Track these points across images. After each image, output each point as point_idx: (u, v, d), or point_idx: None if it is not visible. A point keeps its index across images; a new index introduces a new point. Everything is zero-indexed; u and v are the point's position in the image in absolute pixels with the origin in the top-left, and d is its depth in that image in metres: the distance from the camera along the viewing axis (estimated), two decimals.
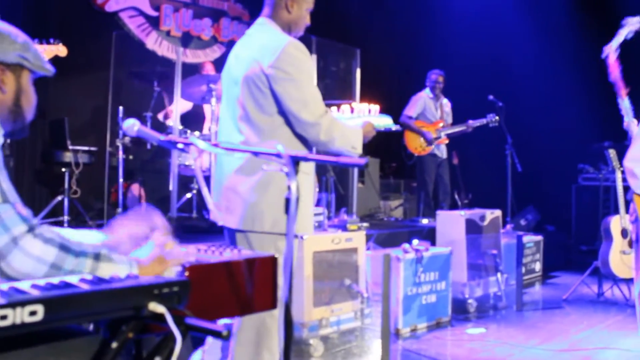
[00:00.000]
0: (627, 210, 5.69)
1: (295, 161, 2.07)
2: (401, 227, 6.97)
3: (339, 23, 9.16)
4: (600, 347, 5.10)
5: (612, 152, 6.52)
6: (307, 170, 3.10)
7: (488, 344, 5.13)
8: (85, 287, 1.52)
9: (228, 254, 2.17)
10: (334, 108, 3.27)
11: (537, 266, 7.93)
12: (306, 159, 2.11)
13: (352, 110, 3.33)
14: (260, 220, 2.98)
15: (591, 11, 9.98)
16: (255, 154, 2.28)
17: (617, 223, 6.57)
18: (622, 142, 4.47)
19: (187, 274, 1.90)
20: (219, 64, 8.25)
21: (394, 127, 3.44)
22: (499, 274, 6.41)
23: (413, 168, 8.45)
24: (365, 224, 5.36)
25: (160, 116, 7.52)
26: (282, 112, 2.98)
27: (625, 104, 6.04)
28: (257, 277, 2.14)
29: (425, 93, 8.18)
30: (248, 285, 2.10)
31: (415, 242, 5.54)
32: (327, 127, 2.96)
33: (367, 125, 3.20)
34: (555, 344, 5.18)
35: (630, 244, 6.48)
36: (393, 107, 8.26)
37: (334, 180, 7.32)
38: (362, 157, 2.74)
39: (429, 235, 6.58)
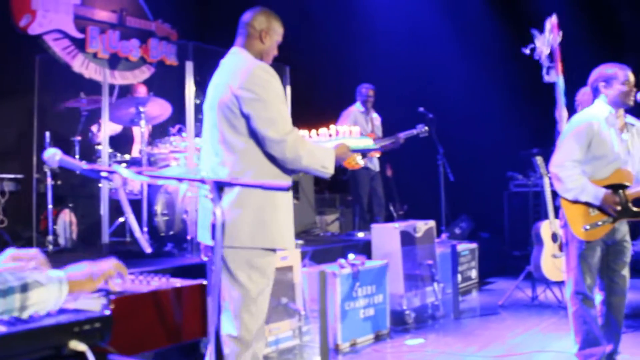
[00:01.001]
0: (557, 216, 5.84)
1: (219, 187, 2.05)
2: (337, 242, 6.98)
3: None
4: (536, 350, 5.22)
5: (539, 159, 6.68)
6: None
7: (427, 354, 5.18)
8: (2, 329, 1.47)
9: (156, 283, 2.13)
10: (313, 131, 3.41)
11: (473, 273, 8.07)
12: (230, 184, 2.09)
13: (332, 134, 3.42)
14: (237, 236, 3.09)
15: (515, 22, 10.23)
16: (179, 179, 2.25)
17: (547, 228, 6.72)
18: (549, 148, 4.59)
19: (112, 306, 1.85)
20: (148, 85, 8.18)
21: (374, 147, 3.55)
22: (435, 284, 6.49)
23: (347, 182, 8.49)
24: (300, 242, 5.36)
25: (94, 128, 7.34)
26: (253, 132, 3.13)
27: (560, 81, 6.27)
28: (185, 305, 2.11)
29: (356, 107, 8.24)
30: (176, 314, 2.07)
31: (351, 256, 5.57)
32: (292, 144, 3.10)
33: (341, 146, 3.34)
34: (493, 349, 5.27)
35: (561, 248, 6.65)
36: (324, 122, 8.31)
37: None
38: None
39: (365, 249, 6.61)
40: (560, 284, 6.64)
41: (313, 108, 9.63)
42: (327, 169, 3.23)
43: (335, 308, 5.22)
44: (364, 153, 3.63)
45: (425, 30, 10.25)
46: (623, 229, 4.44)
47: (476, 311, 6.88)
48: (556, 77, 6.36)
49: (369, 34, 9.84)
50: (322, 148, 3.27)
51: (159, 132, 7.33)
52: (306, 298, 5.32)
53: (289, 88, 7.80)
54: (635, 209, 4.32)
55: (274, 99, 3.14)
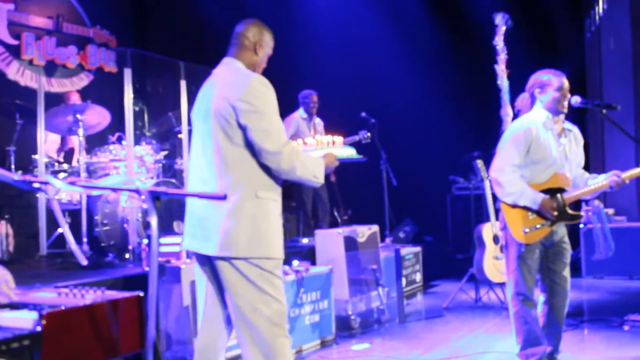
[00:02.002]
0: (497, 218, 5.93)
1: (154, 197, 2.00)
2: None
3: (208, 48, 9.08)
4: (480, 351, 5.26)
5: (479, 163, 6.77)
6: (277, 197, 3.32)
7: (373, 359, 5.18)
8: None
9: (91, 296, 2.08)
10: (299, 141, 3.54)
11: (418, 277, 8.14)
12: (166, 194, 2.05)
13: (316, 144, 3.57)
14: (235, 246, 3.15)
15: (456, 26, 10.39)
16: (113, 190, 2.20)
17: (488, 230, 6.82)
18: (491, 151, 4.65)
19: (43, 322, 1.79)
20: (87, 92, 8.02)
21: (357, 156, 3.74)
22: (380, 288, 6.50)
23: (291, 188, 8.46)
24: None
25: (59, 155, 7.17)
26: (249, 143, 3.18)
27: (504, 83, 6.39)
28: (122, 318, 2.05)
29: (299, 114, 8.23)
30: (113, 327, 2.02)
31: (295, 263, 5.54)
32: (288, 156, 3.18)
33: (329, 155, 3.48)
34: (438, 352, 5.30)
35: (502, 250, 6.74)
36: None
37: None
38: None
39: (309, 255, 6.59)
40: (503, 285, 6.73)
41: None
42: (318, 179, 3.35)
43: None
44: (347, 162, 3.73)
45: (367, 35, 10.31)
46: (561, 231, 4.52)
47: (421, 314, 6.93)
48: (501, 78, 6.52)
49: (311, 39, 9.84)
50: (313, 158, 3.37)
51: (98, 141, 7.18)
52: None
53: None
54: (572, 212, 4.41)
55: (270, 111, 3.20)
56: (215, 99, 3.24)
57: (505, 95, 6.54)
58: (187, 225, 3.38)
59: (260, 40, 3.43)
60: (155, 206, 1.99)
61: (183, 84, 7.04)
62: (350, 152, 3.66)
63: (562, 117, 4.48)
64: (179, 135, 7.32)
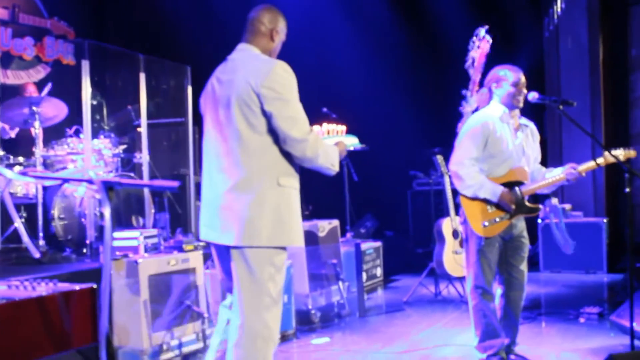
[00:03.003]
0: (457, 213, 5.98)
1: (107, 187, 1.96)
2: None
3: (168, 40, 8.99)
4: (439, 344, 5.30)
5: (439, 158, 6.81)
6: (297, 185, 3.30)
7: (333, 353, 5.18)
8: None
9: (42, 289, 2.03)
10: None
11: (378, 271, 8.16)
12: (119, 184, 2.01)
13: (326, 132, 3.53)
14: (258, 236, 3.13)
15: (416, 23, 10.44)
16: (66, 180, 2.16)
17: (448, 225, 6.87)
18: (450, 147, 4.68)
19: None
20: (44, 85, 7.87)
21: (360, 145, 3.82)
22: (340, 283, 6.50)
23: None
24: (202, 243, 5.26)
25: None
26: (272, 130, 3.16)
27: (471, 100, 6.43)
28: (74, 311, 2.01)
29: None
30: (65, 320, 1.98)
31: None
32: (313, 143, 3.17)
33: (341, 144, 3.46)
34: (397, 346, 5.32)
35: (462, 244, 6.80)
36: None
37: (170, 200, 7.17)
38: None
39: None
40: (462, 279, 6.78)
41: None
42: (335, 167, 3.33)
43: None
44: (352, 151, 3.72)
45: (329, 30, 10.30)
46: (520, 225, 4.57)
47: (381, 308, 6.95)
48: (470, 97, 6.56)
49: None
50: (331, 147, 3.35)
51: (55, 134, 7.06)
52: (210, 300, 5.23)
53: (190, 88, 7.68)
54: (530, 205, 4.46)
55: (294, 98, 3.19)
56: (237, 86, 3.18)
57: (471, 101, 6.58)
58: (204, 216, 3.33)
59: (276, 26, 3.41)
60: (109, 197, 1.96)
61: (142, 77, 6.95)
62: (354, 141, 3.62)
63: (517, 111, 4.54)
64: (138, 129, 7.23)
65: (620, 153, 4.46)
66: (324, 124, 3.56)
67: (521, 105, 4.48)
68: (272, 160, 3.19)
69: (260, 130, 3.17)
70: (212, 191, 3.28)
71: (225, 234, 3.19)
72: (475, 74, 6.48)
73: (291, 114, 3.15)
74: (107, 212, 1.93)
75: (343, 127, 3.59)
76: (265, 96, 3.12)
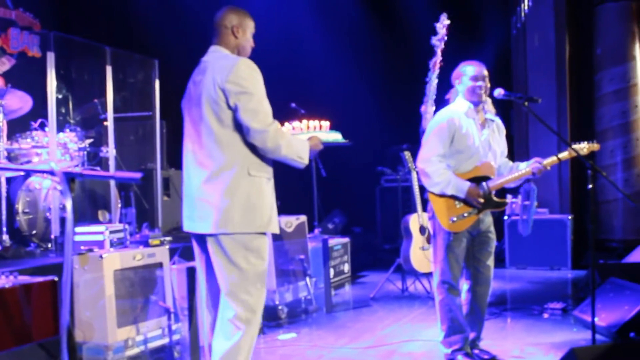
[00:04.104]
0: (425, 209, 6.01)
1: (69, 178, 1.93)
2: None
3: (136, 33, 8.90)
4: (405, 340, 5.33)
5: (407, 154, 6.84)
6: (270, 176, 3.51)
7: (299, 348, 5.19)
8: None
9: (1, 281, 2.00)
10: (287, 125, 3.63)
11: (346, 267, 8.18)
12: (81, 176, 1.99)
13: (304, 127, 3.67)
14: (230, 222, 3.32)
15: (386, 20, 10.46)
16: (27, 172, 2.13)
17: (415, 221, 6.90)
18: (418, 143, 4.70)
19: None
20: (9, 77, 7.74)
21: (342, 141, 3.85)
22: (307, 278, 6.50)
23: None
24: (168, 238, 5.22)
25: None
26: (239, 124, 3.34)
27: (434, 82, 6.46)
28: (35, 304, 1.99)
29: None
30: (25, 313, 1.95)
31: None
32: (273, 135, 3.33)
33: (313, 138, 3.61)
34: (363, 341, 5.34)
35: (429, 240, 6.85)
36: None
37: (136, 195, 7.11)
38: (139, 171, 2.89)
39: None
40: (429, 275, 6.83)
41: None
42: (303, 159, 3.48)
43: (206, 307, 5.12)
44: (333, 146, 3.84)
45: (297, 24, 10.28)
46: (488, 220, 4.62)
47: (349, 304, 6.97)
48: (432, 74, 6.60)
49: None
50: (299, 140, 3.51)
51: (20, 127, 6.95)
52: (176, 296, 5.20)
53: (157, 82, 7.62)
54: (497, 199, 4.50)
55: (258, 92, 3.36)
56: (205, 84, 3.38)
57: (431, 93, 6.62)
58: (185, 208, 3.53)
59: (238, 23, 3.58)
60: (71, 188, 1.93)
61: (109, 70, 6.88)
62: (336, 137, 3.77)
63: (481, 106, 4.56)
64: (105, 123, 7.16)
65: (585, 146, 4.54)
66: (304, 120, 3.68)
67: (482, 100, 4.51)
68: (242, 152, 3.36)
69: (229, 124, 3.35)
70: (190, 184, 3.48)
71: (201, 223, 3.39)
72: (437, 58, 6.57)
73: (253, 106, 3.31)
74: (68, 203, 1.91)
75: (326, 123, 3.73)
76: (230, 91, 3.31)
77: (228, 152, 3.35)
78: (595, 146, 4.56)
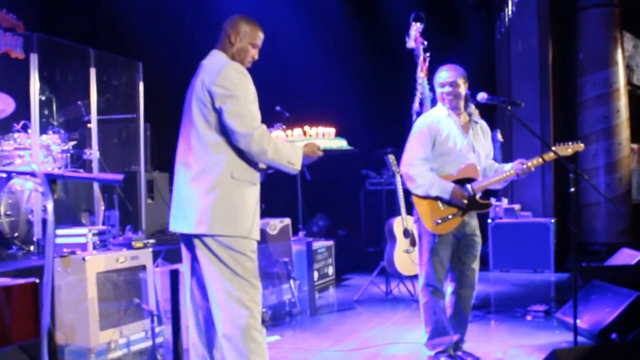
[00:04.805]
0: (409, 212, 6.03)
1: (50, 179, 1.93)
2: None
3: (120, 36, 8.87)
4: (389, 342, 5.34)
5: (391, 158, 6.86)
6: (255, 181, 3.48)
7: (283, 351, 5.18)
8: None
9: None
10: (280, 132, 3.67)
11: (330, 270, 8.19)
12: (63, 177, 1.98)
13: (304, 134, 3.67)
14: (211, 224, 3.31)
15: (372, 26, 10.49)
16: (9, 173, 2.11)
17: (399, 224, 6.92)
18: (402, 147, 4.71)
19: None
20: None
21: (348, 148, 3.80)
22: (291, 281, 6.50)
23: None
24: (152, 241, 5.21)
25: None
26: (225, 126, 3.32)
27: (425, 83, 6.47)
28: (16, 306, 1.97)
29: None
30: (6, 315, 1.94)
31: None
32: (258, 138, 3.30)
33: (310, 144, 3.57)
34: (347, 344, 5.34)
35: (413, 243, 6.87)
36: (180, 120, 8.14)
37: (120, 197, 7.08)
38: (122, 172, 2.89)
39: None
40: (413, 278, 6.85)
41: (168, 106, 9.41)
42: (294, 165, 3.45)
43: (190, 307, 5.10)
44: (338, 153, 3.79)
45: (284, 27, 10.27)
46: (473, 222, 4.63)
47: (333, 307, 6.96)
48: (422, 78, 6.61)
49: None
50: (289, 145, 3.49)
51: (2, 129, 6.91)
52: (159, 298, 5.18)
53: (141, 85, 7.59)
54: (481, 201, 4.53)
55: (244, 95, 3.33)
56: (196, 86, 3.41)
57: (426, 95, 6.63)
58: (172, 207, 3.53)
59: (237, 31, 3.56)
60: (52, 190, 1.92)
61: (93, 72, 6.85)
62: (340, 143, 3.73)
63: (462, 109, 4.58)
64: (88, 125, 7.13)
65: (569, 147, 4.56)
66: (306, 127, 3.68)
67: (454, 104, 4.53)
68: (227, 155, 3.35)
69: (216, 127, 3.35)
70: (177, 184, 3.50)
71: (182, 222, 3.41)
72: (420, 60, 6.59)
73: (239, 110, 3.30)
74: (50, 205, 1.91)
75: (332, 130, 3.71)
76: (216, 93, 3.31)
77: (214, 153, 3.34)
78: (580, 146, 4.59)
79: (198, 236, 3.36)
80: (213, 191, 3.32)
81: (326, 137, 3.69)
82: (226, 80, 3.32)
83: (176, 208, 3.48)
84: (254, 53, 3.64)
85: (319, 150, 3.60)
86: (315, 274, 7.64)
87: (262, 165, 3.52)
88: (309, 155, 3.55)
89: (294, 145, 3.51)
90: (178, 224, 3.45)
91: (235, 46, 3.56)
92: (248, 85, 3.39)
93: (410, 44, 6.62)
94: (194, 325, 3.59)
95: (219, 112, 3.32)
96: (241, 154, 3.37)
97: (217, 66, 3.40)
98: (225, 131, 3.34)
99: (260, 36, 3.66)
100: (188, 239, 3.50)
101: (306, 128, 3.69)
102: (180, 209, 3.43)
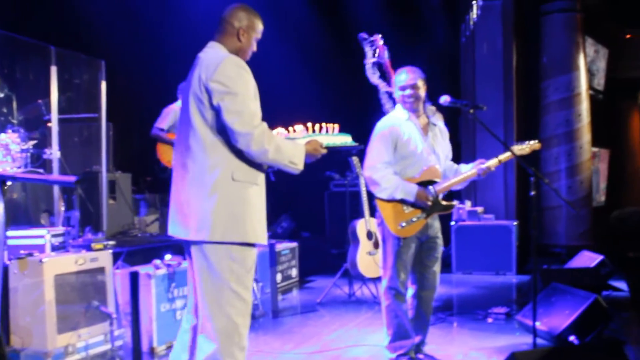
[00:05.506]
0: (373, 214, 6.03)
1: (1, 180, 1.88)
2: (156, 243, 6.77)
3: (82, 33, 8.75)
4: (351, 345, 5.33)
5: (355, 160, 6.87)
6: (259, 182, 3.29)
7: None
8: None
9: None
10: (281, 129, 3.41)
11: (294, 272, 8.17)
12: (15, 179, 1.94)
13: (306, 129, 3.44)
14: (212, 230, 3.12)
15: (335, 27, 10.50)
16: None
17: (362, 226, 6.93)
18: (366, 149, 4.71)
19: None
20: None
21: (352, 144, 3.58)
22: (254, 283, 6.44)
23: (168, 182, 8.27)
24: (112, 242, 5.15)
25: None
26: (223, 125, 3.13)
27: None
28: None
29: (177, 105, 8.05)
30: None
31: (167, 257, 5.42)
32: (258, 138, 3.11)
33: (312, 142, 3.37)
34: (309, 346, 5.33)
35: (376, 245, 6.88)
36: (144, 119, 8.06)
37: (81, 198, 6.99)
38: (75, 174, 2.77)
39: (183, 249, 6.45)
40: (376, 280, 6.86)
41: (131, 105, 9.33)
42: (296, 165, 3.27)
43: (150, 310, 5.05)
44: (343, 150, 3.59)
45: None
46: (436, 225, 4.65)
47: (296, 309, 6.95)
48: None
49: (191, 31, 9.67)
50: (291, 143, 3.28)
51: None
52: (119, 301, 5.12)
53: (104, 83, 7.50)
54: (445, 202, 4.55)
55: (243, 92, 3.15)
56: (193, 82, 3.22)
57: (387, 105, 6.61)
58: (170, 211, 3.33)
59: (246, 26, 3.39)
60: (2, 191, 1.88)
61: (54, 70, 6.75)
62: (345, 140, 3.53)
63: (422, 112, 4.60)
64: (49, 124, 7.02)
65: (526, 146, 4.62)
66: (309, 123, 3.48)
67: (415, 107, 4.54)
68: (226, 155, 3.17)
69: (214, 125, 3.17)
70: (175, 187, 3.30)
71: (182, 228, 3.22)
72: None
73: (238, 107, 3.11)
74: None
75: (334, 126, 3.52)
76: (214, 90, 3.13)
77: (212, 154, 3.16)
78: (537, 145, 4.67)
79: (196, 243, 3.18)
80: (213, 195, 3.13)
81: (330, 133, 3.49)
82: (224, 75, 3.13)
83: (174, 212, 3.28)
84: (255, 46, 3.49)
85: (322, 148, 3.42)
86: (279, 276, 7.62)
87: (265, 166, 3.33)
88: (312, 153, 3.36)
89: (296, 144, 3.32)
90: (177, 230, 3.26)
91: (242, 43, 3.39)
92: (248, 80, 3.20)
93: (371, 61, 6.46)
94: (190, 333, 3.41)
95: (217, 110, 3.14)
96: (241, 153, 3.17)
97: (214, 60, 3.19)
98: (224, 130, 3.15)
99: (261, 28, 3.50)
100: (187, 244, 3.30)
101: (308, 124, 3.47)
102: (179, 213, 3.24)
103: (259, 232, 3.28)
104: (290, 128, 3.46)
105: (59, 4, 9.12)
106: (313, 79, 10.49)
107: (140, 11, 9.50)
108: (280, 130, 3.45)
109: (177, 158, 3.32)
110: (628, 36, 13.83)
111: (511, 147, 4.58)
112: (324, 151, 3.43)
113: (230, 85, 3.12)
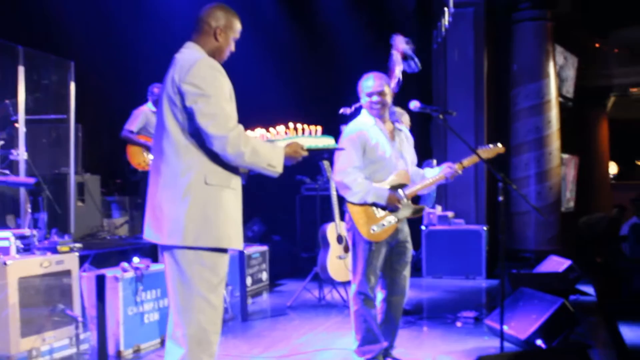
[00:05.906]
0: (343, 218, 6.03)
1: None
2: (124, 245, 6.71)
3: (51, 34, 8.66)
4: (320, 349, 5.32)
5: (326, 164, 6.85)
6: (234, 185, 3.18)
7: None
8: None
9: None
10: (259, 130, 3.32)
11: (264, 276, 8.15)
12: None
13: (287, 130, 3.36)
14: (183, 235, 3.04)
15: (309, 30, 10.50)
16: None
17: (332, 230, 6.92)
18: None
19: None
20: None
21: (334, 146, 3.50)
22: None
23: (138, 184, 8.21)
24: (78, 245, 5.08)
25: None
26: (197, 127, 3.04)
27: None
28: None
29: (148, 107, 8.00)
30: None
31: (135, 260, 5.37)
32: (234, 140, 3.02)
33: (292, 144, 3.27)
34: (277, 350, 5.31)
35: (346, 249, 6.88)
36: (113, 121, 8.00)
37: (48, 199, 6.89)
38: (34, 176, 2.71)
39: (152, 252, 6.41)
40: (346, 284, 6.85)
41: (101, 106, 9.25)
42: (275, 168, 3.18)
43: (117, 313, 4.99)
44: (324, 153, 3.47)
45: None
46: (405, 229, 4.66)
47: (266, 313, 6.92)
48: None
49: (163, 32, 9.61)
50: (269, 146, 3.19)
51: None
52: (85, 304, 5.06)
53: (73, 84, 7.43)
54: (415, 206, 4.57)
55: (217, 94, 3.05)
56: (166, 84, 3.14)
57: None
58: (146, 215, 3.24)
59: (222, 25, 3.29)
60: None
61: (21, 70, 6.67)
62: (327, 142, 3.44)
63: (387, 117, 4.62)
64: (16, 125, 6.92)
65: (491, 150, 4.69)
66: (289, 124, 3.38)
67: (381, 114, 4.56)
68: (199, 158, 3.09)
69: (187, 128, 3.08)
70: (150, 190, 3.22)
71: (156, 232, 3.13)
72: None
73: (212, 110, 3.02)
74: None
75: (317, 128, 3.43)
76: (187, 92, 3.04)
77: (185, 157, 3.07)
78: (501, 148, 4.76)
79: (168, 248, 3.11)
80: (185, 198, 3.05)
81: (313, 135, 3.40)
82: (197, 77, 3.04)
83: (149, 216, 3.20)
84: (232, 46, 3.40)
85: (303, 150, 3.31)
86: (249, 279, 7.59)
87: (243, 170, 3.25)
88: (292, 155, 3.27)
89: (275, 146, 3.22)
90: (151, 234, 3.18)
91: (219, 42, 3.30)
92: (222, 82, 3.11)
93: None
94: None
95: (190, 113, 3.04)
96: (215, 157, 3.08)
97: (188, 61, 3.10)
98: (197, 133, 3.06)
99: (239, 28, 3.40)
100: (161, 249, 3.22)
101: (290, 125, 3.38)
102: (152, 218, 3.16)
103: (233, 236, 3.18)
104: (272, 129, 3.38)
105: (29, 4, 9.01)
106: (294, 79, 10.49)
107: (110, 12, 9.42)
108: (261, 131, 3.36)
109: (153, 161, 3.24)
110: (597, 45, 14.05)
111: (476, 150, 4.62)
112: (305, 153, 3.34)
113: (203, 87, 3.03)
